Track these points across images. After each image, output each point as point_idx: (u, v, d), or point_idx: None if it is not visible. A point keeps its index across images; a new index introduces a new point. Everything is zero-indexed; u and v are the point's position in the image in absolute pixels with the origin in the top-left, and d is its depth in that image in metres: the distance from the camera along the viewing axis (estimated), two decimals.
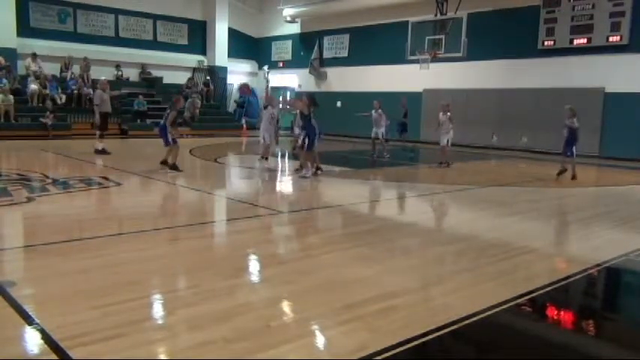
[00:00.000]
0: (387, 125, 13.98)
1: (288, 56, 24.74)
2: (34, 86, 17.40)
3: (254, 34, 25.80)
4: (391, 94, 19.57)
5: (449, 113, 12.00)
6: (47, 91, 17.70)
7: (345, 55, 22.27)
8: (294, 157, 10.81)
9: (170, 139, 9.82)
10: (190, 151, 14.17)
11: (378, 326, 3.15)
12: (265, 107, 11.28)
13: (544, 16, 16.13)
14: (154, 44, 22.27)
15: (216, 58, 23.47)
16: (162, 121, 10.06)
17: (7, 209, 6.30)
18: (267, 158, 11.28)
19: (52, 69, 18.80)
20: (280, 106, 11.21)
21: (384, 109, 13.82)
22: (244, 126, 21.48)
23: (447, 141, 12.05)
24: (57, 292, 3.56)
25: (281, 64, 24.98)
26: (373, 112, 13.76)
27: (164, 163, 9.94)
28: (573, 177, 10.48)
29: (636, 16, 14.52)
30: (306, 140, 9.74)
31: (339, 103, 21.88)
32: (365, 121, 14.40)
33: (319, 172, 10.12)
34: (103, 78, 14.44)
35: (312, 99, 10.10)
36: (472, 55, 16.59)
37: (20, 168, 9.87)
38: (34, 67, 18.18)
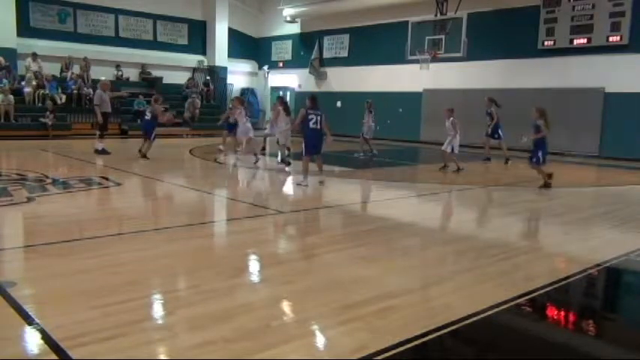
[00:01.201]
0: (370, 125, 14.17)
1: (288, 56, 24.74)
2: (28, 89, 17.40)
3: (254, 34, 25.80)
4: (391, 94, 19.60)
5: (452, 118, 11.42)
6: (47, 91, 17.70)
7: (345, 55, 22.26)
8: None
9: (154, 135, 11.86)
10: (190, 151, 14.19)
11: (378, 326, 3.15)
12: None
13: (544, 16, 16.12)
14: (154, 44, 22.26)
15: (216, 58, 23.46)
16: (148, 116, 11.93)
17: (7, 209, 6.30)
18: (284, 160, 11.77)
19: (52, 69, 18.79)
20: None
21: (374, 108, 14.10)
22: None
23: (452, 148, 11.26)
24: (57, 292, 3.56)
25: (281, 64, 24.99)
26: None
27: (144, 155, 11.59)
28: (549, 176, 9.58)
29: (636, 16, 14.51)
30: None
31: (339, 103, 21.88)
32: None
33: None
34: (103, 78, 14.45)
35: (313, 99, 9.19)
36: (472, 55, 16.59)
37: (20, 168, 9.87)
38: (34, 67, 18.16)
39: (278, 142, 11.58)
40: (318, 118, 8.80)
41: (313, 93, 10.71)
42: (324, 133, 9.11)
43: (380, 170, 12.36)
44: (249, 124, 12.25)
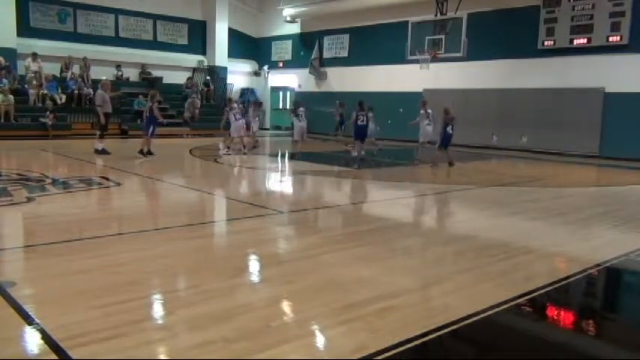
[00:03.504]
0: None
1: (288, 56, 24.74)
2: (33, 90, 17.42)
3: (254, 34, 25.80)
4: (391, 94, 19.60)
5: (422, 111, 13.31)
6: (45, 91, 17.68)
7: (345, 55, 22.26)
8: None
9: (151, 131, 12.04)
10: (190, 151, 14.18)
11: (377, 326, 3.15)
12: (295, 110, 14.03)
13: (544, 16, 16.12)
14: (154, 44, 22.26)
15: (216, 58, 23.45)
16: (147, 113, 12.40)
17: (7, 209, 6.30)
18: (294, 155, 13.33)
19: (52, 69, 18.77)
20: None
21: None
22: (244, 126, 21.43)
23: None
24: (57, 292, 3.56)
25: (281, 64, 24.99)
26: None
27: (142, 152, 11.84)
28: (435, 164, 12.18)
29: (636, 16, 14.51)
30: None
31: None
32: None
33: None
34: (104, 78, 14.44)
35: (361, 103, 12.74)
36: (472, 55, 16.59)
37: (20, 168, 9.87)
38: (34, 67, 18.14)
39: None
40: (364, 117, 12.56)
41: (361, 99, 13.41)
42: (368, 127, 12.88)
43: (380, 170, 12.36)
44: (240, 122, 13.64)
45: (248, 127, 14.31)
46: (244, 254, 4.82)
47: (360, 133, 12.72)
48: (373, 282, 3.96)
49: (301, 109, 13.98)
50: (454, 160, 12.16)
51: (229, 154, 13.24)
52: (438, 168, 11.87)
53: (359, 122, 12.46)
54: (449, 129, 11.95)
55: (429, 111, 13.18)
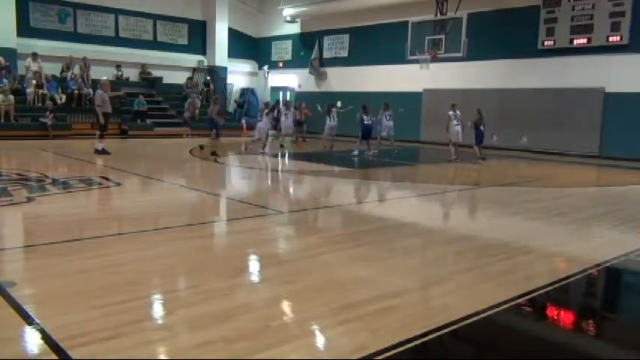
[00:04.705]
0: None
1: (288, 56, 24.73)
2: (30, 89, 17.44)
3: (254, 34, 25.79)
4: (391, 94, 19.58)
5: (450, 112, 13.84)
6: (45, 91, 17.67)
7: (345, 55, 22.25)
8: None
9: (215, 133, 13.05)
10: (190, 151, 14.19)
11: (377, 326, 3.15)
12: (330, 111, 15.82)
13: (544, 16, 16.12)
14: (154, 44, 22.25)
15: (216, 58, 23.45)
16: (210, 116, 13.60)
17: (7, 209, 6.30)
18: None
19: (52, 69, 18.78)
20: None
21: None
22: (244, 126, 21.45)
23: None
24: (57, 292, 3.56)
25: (281, 64, 24.98)
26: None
27: (215, 153, 12.79)
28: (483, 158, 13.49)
29: (636, 16, 14.50)
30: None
31: (339, 103, 21.85)
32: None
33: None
34: (104, 78, 14.44)
35: (365, 107, 14.57)
36: (472, 55, 16.58)
37: (20, 168, 9.87)
38: (34, 67, 18.14)
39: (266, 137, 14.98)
40: (368, 118, 14.37)
41: (365, 103, 14.94)
42: (373, 127, 14.72)
43: (380, 170, 12.36)
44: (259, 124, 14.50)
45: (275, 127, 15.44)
46: (244, 254, 4.82)
47: (364, 132, 14.38)
48: (373, 282, 3.96)
49: (333, 109, 16.01)
50: (484, 156, 13.61)
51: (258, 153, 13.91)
52: (483, 163, 13.07)
53: (365, 122, 14.28)
54: (481, 127, 13.41)
55: (458, 112, 13.71)
